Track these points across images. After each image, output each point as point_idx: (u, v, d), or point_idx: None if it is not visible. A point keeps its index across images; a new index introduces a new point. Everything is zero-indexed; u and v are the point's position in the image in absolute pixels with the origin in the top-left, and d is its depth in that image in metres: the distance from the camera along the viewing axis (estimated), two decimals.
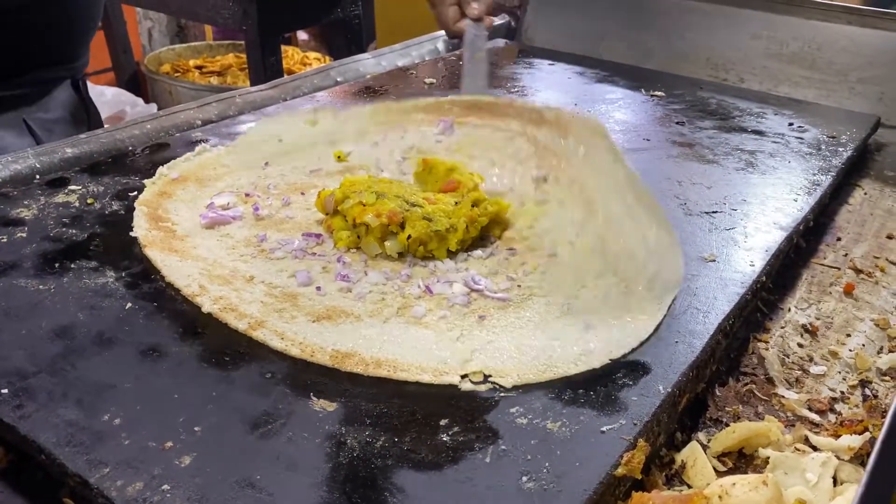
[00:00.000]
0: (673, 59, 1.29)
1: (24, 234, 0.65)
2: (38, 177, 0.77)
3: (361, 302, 0.58)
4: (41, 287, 0.58)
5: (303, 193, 0.75)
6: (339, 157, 0.82)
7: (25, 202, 0.71)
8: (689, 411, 0.54)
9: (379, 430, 0.46)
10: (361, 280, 0.61)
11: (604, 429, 0.46)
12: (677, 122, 1.00)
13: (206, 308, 0.56)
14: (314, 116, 0.84)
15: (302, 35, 2.79)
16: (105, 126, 0.97)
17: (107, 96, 1.93)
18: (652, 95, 1.11)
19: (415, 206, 0.65)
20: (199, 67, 2.20)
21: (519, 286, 0.61)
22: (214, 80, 2.13)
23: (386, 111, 0.90)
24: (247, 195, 0.73)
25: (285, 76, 1.20)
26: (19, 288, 0.58)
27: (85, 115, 1.08)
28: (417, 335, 0.55)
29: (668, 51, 1.30)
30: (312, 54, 2.47)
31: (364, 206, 0.64)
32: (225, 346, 0.53)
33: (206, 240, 0.65)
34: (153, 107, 2.00)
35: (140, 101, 2.03)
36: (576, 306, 0.58)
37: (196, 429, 0.45)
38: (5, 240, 0.64)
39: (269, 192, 0.75)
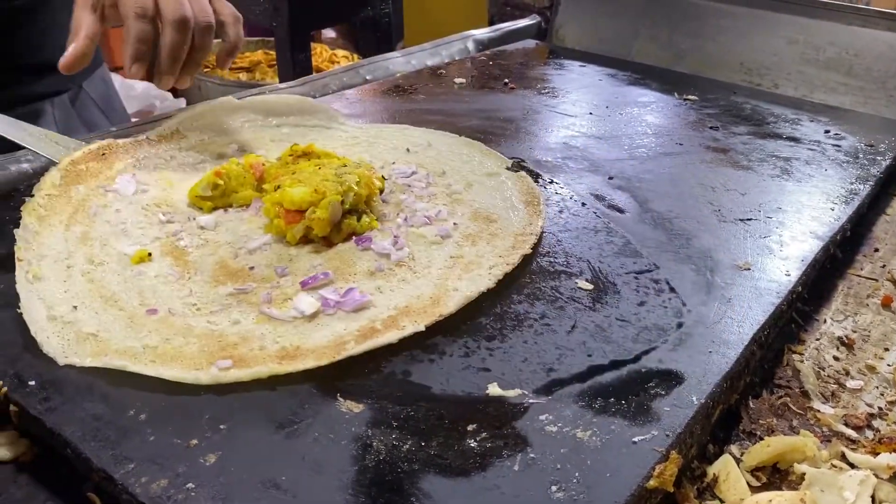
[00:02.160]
0: (706, 63, 1.27)
1: None
2: None
3: None
4: None
5: None
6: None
7: None
8: (721, 423, 0.53)
9: (406, 434, 0.45)
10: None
11: (635, 439, 0.45)
12: (711, 127, 0.98)
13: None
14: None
15: (329, 33, 2.79)
16: (133, 120, 0.97)
17: (136, 90, 1.94)
18: (685, 99, 1.10)
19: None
20: None
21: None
22: (243, 76, 2.14)
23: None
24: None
25: (314, 73, 1.20)
26: None
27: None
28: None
29: (701, 54, 1.28)
30: (340, 52, 2.47)
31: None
32: None
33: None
34: (182, 101, 2.01)
35: (169, 95, 2.04)
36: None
37: (221, 427, 0.45)
38: None
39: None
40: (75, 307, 0.54)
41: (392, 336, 0.53)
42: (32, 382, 0.47)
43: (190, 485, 0.40)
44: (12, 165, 0.76)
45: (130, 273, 0.58)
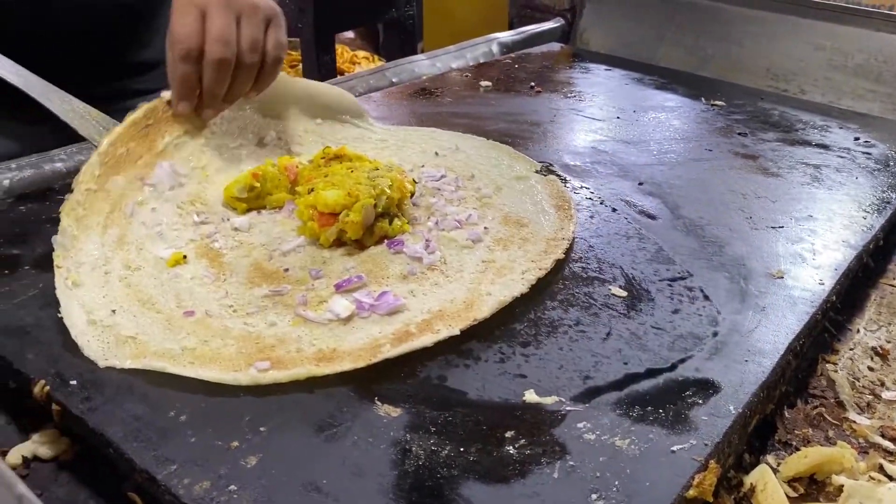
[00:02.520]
0: (732, 68, 1.26)
1: None
2: None
3: None
4: None
5: None
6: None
7: None
8: (757, 432, 0.53)
9: (444, 439, 0.45)
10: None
11: (674, 448, 0.45)
12: (739, 133, 0.98)
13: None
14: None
15: (347, 33, 2.80)
16: None
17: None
18: (712, 105, 1.09)
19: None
20: None
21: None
22: None
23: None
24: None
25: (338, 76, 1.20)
26: None
27: None
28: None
29: (727, 59, 1.27)
30: (361, 53, 2.48)
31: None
32: None
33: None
34: None
35: None
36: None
37: (261, 429, 0.45)
38: None
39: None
40: (114, 311, 0.54)
41: (427, 339, 0.53)
42: (74, 382, 0.48)
43: (232, 487, 0.41)
44: (46, 165, 0.77)
45: (167, 276, 0.59)
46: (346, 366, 0.50)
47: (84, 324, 0.52)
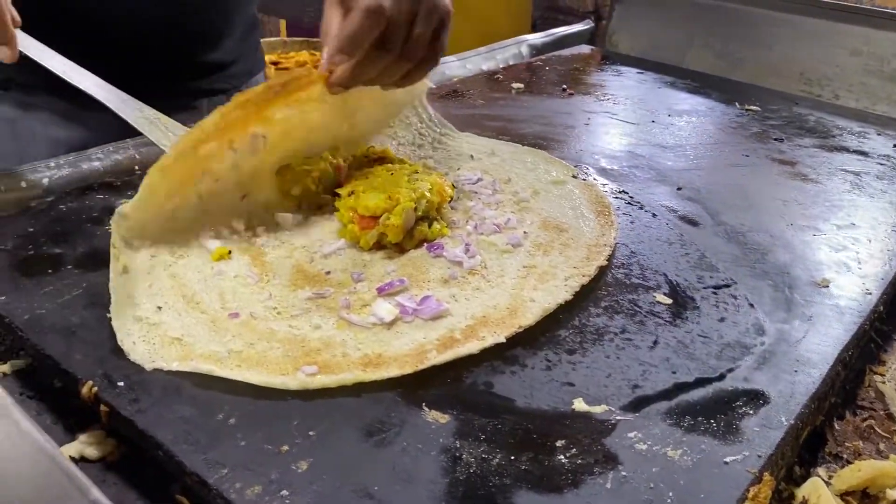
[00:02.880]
0: (764, 72, 1.25)
1: None
2: (137, 168, 0.78)
3: None
4: None
5: None
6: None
7: (129, 193, 0.71)
8: (806, 444, 0.52)
9: (494, 447, 0.45)
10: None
11: (727, 460, 0.45)
12: (776, 139, 0.97)
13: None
14: None
15: None
16: None
17: None
18: (746, 110, 1.08)
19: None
20: (274, 63, 2.22)
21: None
22: None
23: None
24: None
25: None
26: None
27: None
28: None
29: (760, 63, 1.26)
30: None
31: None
32: None
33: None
34: None
35: None
36: None
37: (310, 433, 0.45)
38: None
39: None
40: (160, 308, 0.54)
41: (473, 347, 0.52)
42: (121, 383, 0.48)
43: (284, 492, 0.40)
44: (84, 163, 0.77)
45: (210, 271, 0.59)
46: (393, 372, 0.49)
47: (131, 321, 0.52)
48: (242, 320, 0.54)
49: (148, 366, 0.49)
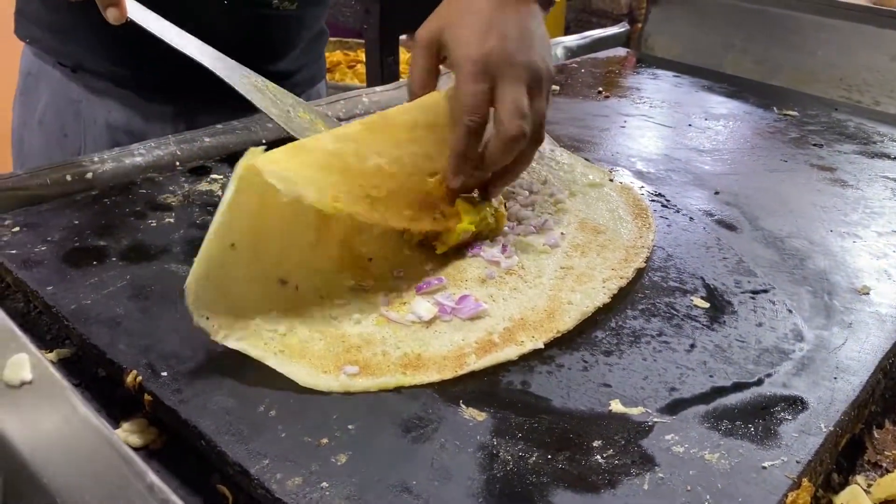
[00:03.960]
0: (802, 77, 1.24)
1: (171, 220, 0.67)
2: (178, 164, 0.80)
3: None
4: None
5: None
6: None
7: (171, 188, 0.73)
8: (844, 451, 0.51)
9: (531, 446, 0.45)
10: None
11: (765, 464, 0.44)
12: (814, 145, 0.96)
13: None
14: None
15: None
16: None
17: None
18: (784, 115, 1.07)
19: None
20: None
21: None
22: None
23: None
24: None
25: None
26: (171, 272, 0.59)
27: None
28: None
29: (798, 68, 1.25)
30: None
31: None
32: None
33: None
34: None
35: None
36: None
37: (349, 427, 0.45)
38: (155, 224, 0.66)
39: None
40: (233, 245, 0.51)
41: (511, 352, 0.52)
42: (165, 374, 0.48)
43: (324, 484, 0.41)
44: (126, 158, 0.79)
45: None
46: (433, 377, 0.50)
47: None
48: (288, 292, 0.54)
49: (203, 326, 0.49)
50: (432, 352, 0.52)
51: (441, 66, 0.68)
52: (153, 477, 0.29)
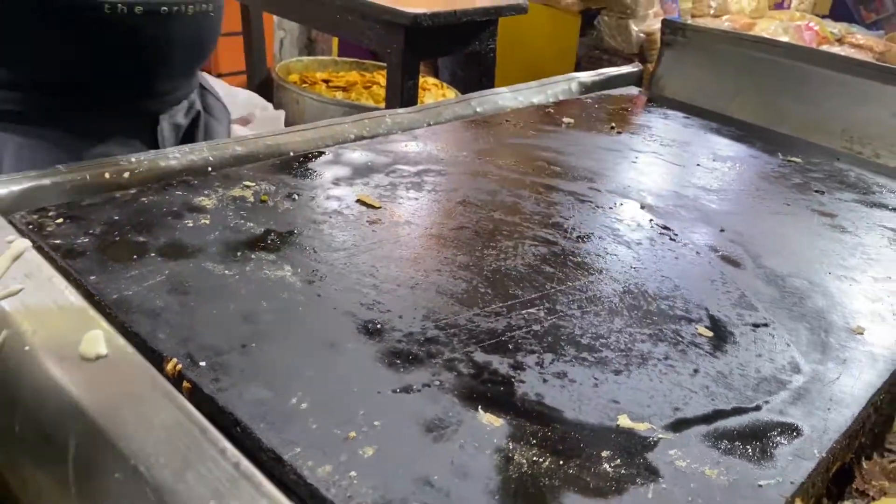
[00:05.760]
0: (807, 126, 1.28)
1: (207, 221, 0.70)
2: (210, 168, 0.83)
3: None
4: (226, 272, 0.63)
5: None
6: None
7: (205, 192, 0.76)
8: (834, 479, 0.55)
9: (544, 452, 0.48)
10: None
11: (761, 483, 0.48)
12: (817, 191, 1.00)
13: None
14: None
15: None
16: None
17: (239, 98, 2.03)
18: (789, 161, 1.11)
19: None
20: (325, 81, 2.30)
21: None
22: (339, 95, 2.21)
23: None
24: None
25: (427, 101, 1.25)
26: (207, 271, 0.63)
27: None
28: None
29: (804, 117, 1.29)
30: (430, 79, 2.54)
31: None
32: (396, 350, 0.56)
33: None
34: (281, 113, 2.10)
35: (270, 106, 2.12)
36: None
37: (376, 423, 0.48)
38: (191, 224, 0.69)
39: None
40: None
41: None
42: (203, 363, 0.52)
43: (352, 473, 0.44)
44: (162, 161, 0.82)
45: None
46: None
47: None
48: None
49: None
50: None
51: None
52: (227, 442, 0.32)
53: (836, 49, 3.65)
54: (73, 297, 0.46)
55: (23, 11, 0.84)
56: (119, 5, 0.86)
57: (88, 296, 0.59)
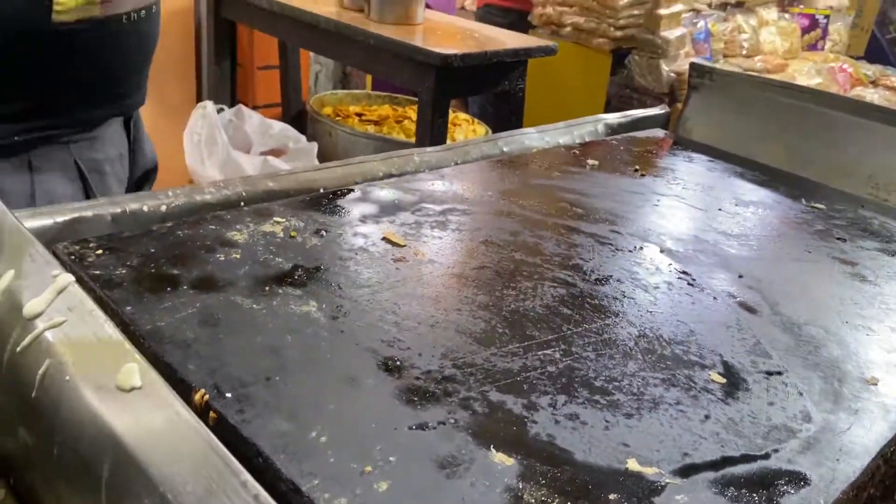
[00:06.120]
0: (832, 172, 1.29)
1: (237, 256, 0.73)
2: (243, 203, 0.87)
3: None
4: (255, 306, 0.65)
5: None
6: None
7: (237, 226, 0.79)
8: None
9: (553, 492, 0.49)
10: None
11: None
12: (838, 238, 1.01)
13: None
14: None
15: None
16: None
17: (274, 130, 2.09)
18: (812, 207, 1.12)
19: None
20: (358, 114, 2.35)
21: None
22: (371, 129, 2.26)
23: None
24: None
25: (457, 140, 1.28)
26: (236, 304, 0.65)
27: (132, 154, 1.19)
28: None
29: (829, 163, 1.30)
30: (461, 115, 2.59)
31: None
32: (414, 388, 0.58)
33: None
34: (314, 146, 2.15)
35: (303, 138, 2.18)
36: None
37: (391, 458, 0.50)
38: (223, 258, 0.73)
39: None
40: None
41: None
42: (229, 395, 0.54)
43: None
44: (197, 195, 0.86)
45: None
46: None
47: None
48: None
49: None
50: None
51: None
52: (247, 475, 0.34)
53: (870, 91, 3.64)
54: (111, 329, 0.49)
55: None
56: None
57: (124, 326, 0.62)
